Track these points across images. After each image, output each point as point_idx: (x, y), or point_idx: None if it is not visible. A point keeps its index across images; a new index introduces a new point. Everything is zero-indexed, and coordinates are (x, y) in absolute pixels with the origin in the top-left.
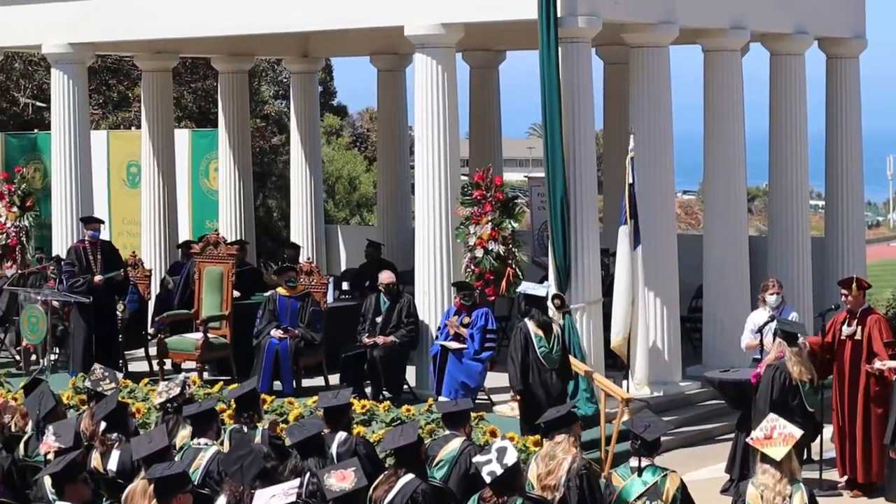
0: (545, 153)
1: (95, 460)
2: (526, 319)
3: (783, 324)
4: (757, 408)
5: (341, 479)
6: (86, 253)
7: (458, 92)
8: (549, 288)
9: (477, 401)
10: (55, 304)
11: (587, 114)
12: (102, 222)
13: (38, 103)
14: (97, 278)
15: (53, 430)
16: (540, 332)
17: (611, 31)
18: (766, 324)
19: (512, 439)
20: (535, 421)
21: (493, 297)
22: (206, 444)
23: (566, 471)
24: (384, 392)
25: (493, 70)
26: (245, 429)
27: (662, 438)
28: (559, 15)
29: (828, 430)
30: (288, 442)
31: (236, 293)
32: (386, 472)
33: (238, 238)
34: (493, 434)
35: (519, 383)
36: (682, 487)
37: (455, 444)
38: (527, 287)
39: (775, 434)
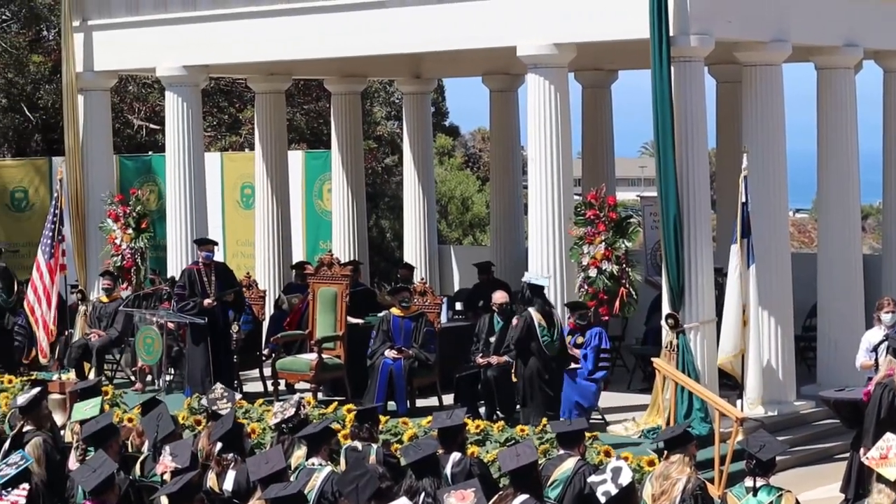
0: (658, 172)
1: (211, 480)
2: (530, 308)
3: (894, 340)
4: (865, 426)
5: (461, 500)
6: (199, 275)
7: (570, 111)
8: (550, 279)
9: (591, 420)
10: (170, 325)
11: (700, 132)
12: (216, 244)
13: (152, 125)
14: (206, 301)
15: (170, 451)
16: (543, 321)
17: (723, 49)
18: (881, 342)
19: (626, 459)
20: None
21: (606, 317)
22: (320, 465)
23: (681, 491)
24: (498, 412)
25: (605, 89)
26: (359, 446)
27: (777, 458)
28: (671, 34)
29: None
30: (403, 462)
31: (355, 319)
32: (501, 493)
33: (351, 259)
34: (608, 454)
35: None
36: None
37: (569, 463)
38: (530, 277)
39: (891, 454)
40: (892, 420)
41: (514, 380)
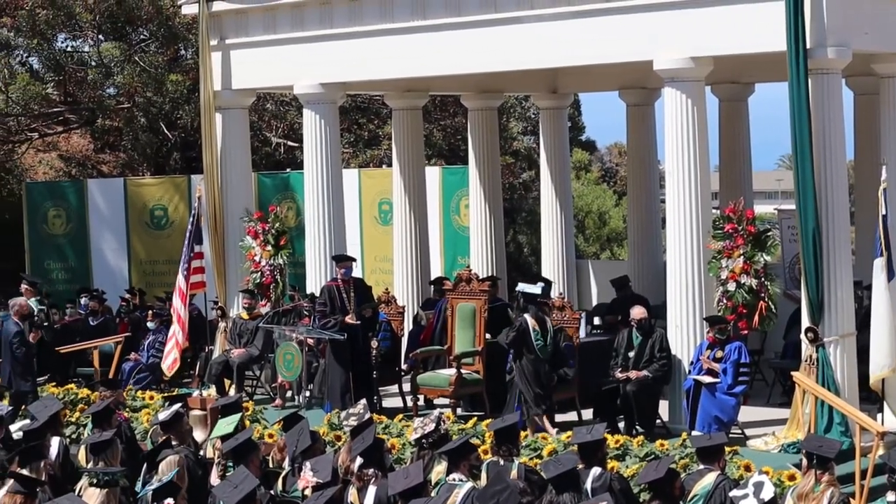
0: (796, 185)
1: (352, 496)
2: (525, 314)
3: None
4: None
5: None
6: (339, 291)
7: (707, 125)
8: (542, 287)
9: (731, 435)
10: (310, 341)
11: (838, 145)
12: (354, 260)
13: (290, 143)
14: (348, 318)
15: (311, 466)
16: (536, 326)
17: (861, 61)
18: None
19: (767, 473)
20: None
21: (746, 331)
22: (461, 480)
23: None
24: (637, 427)
25: (742, 102)
26: (502, 462)
27: None
28: (808, 46)
29: None
30: (543, 477)
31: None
32: None
33: (490, 274)
34: (748, 468)
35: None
36: None
37: (709, 478)
38: (524, 286)
39: None
40: None
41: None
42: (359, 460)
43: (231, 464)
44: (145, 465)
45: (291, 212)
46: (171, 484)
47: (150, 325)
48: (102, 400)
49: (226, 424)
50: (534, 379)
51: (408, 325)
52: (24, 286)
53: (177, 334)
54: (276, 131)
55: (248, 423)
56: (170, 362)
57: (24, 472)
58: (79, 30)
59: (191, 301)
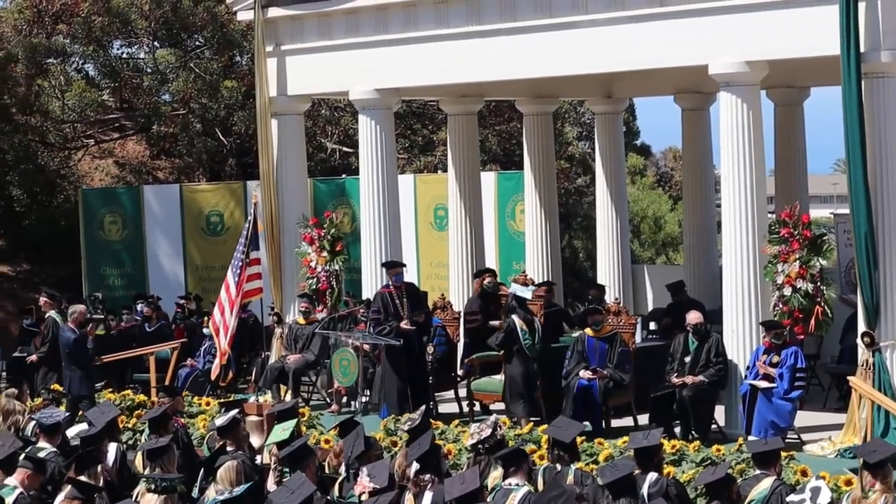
0: (849, 189)
1: (409, 501)
2: (513, 316)
3: None
4: None
5: None
6: (392, 298)
7: (763, 129)
8: (532, 290)
9: (787, 440)
10: (366, 346)
11: (893, 149)
12: (404, 266)
13: (346, 149)
14: (404, 325)
15: (368, 472)
16: (525, 327)
17: None
18: None
19: (824, 478)
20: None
21: (802, 336)
22: (517, 485)
23: None
24: (693, 432)
25: (797, 107)
26: (558, 467)
27: None
28: (862, 50)
29: None
30: (600, 482)
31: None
32: None
33: (545, 279)
34: (804, 473)
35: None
36: None
37: (766, 483)
38: (516, 289)
39: None
40: None
41: (501, 377)
42: (415, 465)
43: (287, 470)
44: (202, 471)
45: (347, 217)
46: (242, 499)
47: (205, 331)
48: (159, 406)
49: (281, 430)
50: (522, 379)
51: (463, 331)
52: (43, 298)
53: (220, 341)
54: (332, 137)
55: (304, 428)
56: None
57: (82, 478)
58: (134, 36)
59: (247, 307)
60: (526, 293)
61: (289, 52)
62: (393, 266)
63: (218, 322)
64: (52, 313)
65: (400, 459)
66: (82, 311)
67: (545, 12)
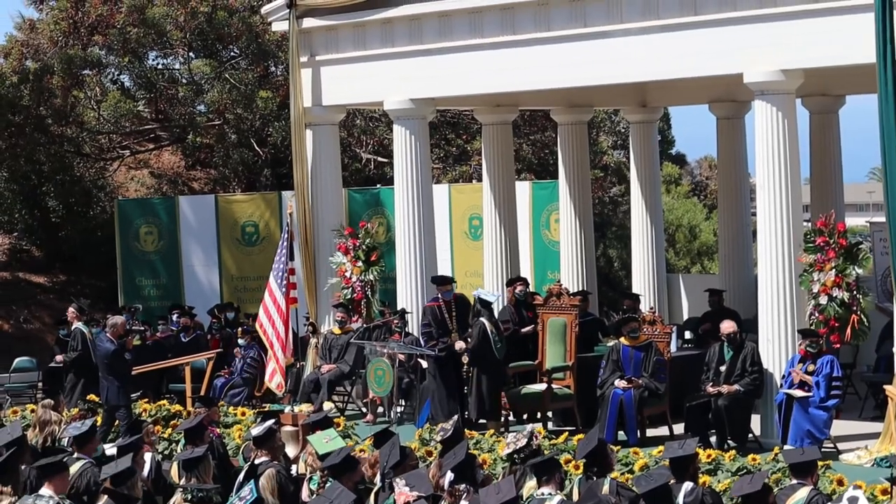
0: (885, 197)
1: None
2: (481, 318)
3: None
4: None
5: None
6: (441, 311)
7: (798, 137)
8: (497, 296)
9: (823, 449)
10: (401, 357)
11: None
12: (454, 281)
13: (380, 159)
14: (457, 345)
15: (405, 481)
16: (493, 329)
17: None
18: None
19: (860, 488)
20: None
21: (837, 345)
22: (550, 494)
23: None
24: (729, 441)
25: (832, 115)
26: (594, 478)
27: None
28: None
29: None
30: (636, 492)
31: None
32: None
33: (580, 289)
34: (840, 483)
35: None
36: None
37: (802, 493)
38: (481, 293)
39: None
40: None
41: (467, 389)
42: (450, 475)
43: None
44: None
45: (382, 227)
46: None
47: (240, 341)
48: (195, 416)
49: (325, 440)
50: (490, 378)
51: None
52: (70, 310)
53: (276, 351)
54: (366, 147)
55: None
56: (268, 376)
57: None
58: (169, 47)
59: None
60: (490, 297)
61: (323, 63)
62: (443, 282)
63: (271, 335)
64: (79, 325)
65: (434, 469)
66: (122, 322)
67: (580, 22)
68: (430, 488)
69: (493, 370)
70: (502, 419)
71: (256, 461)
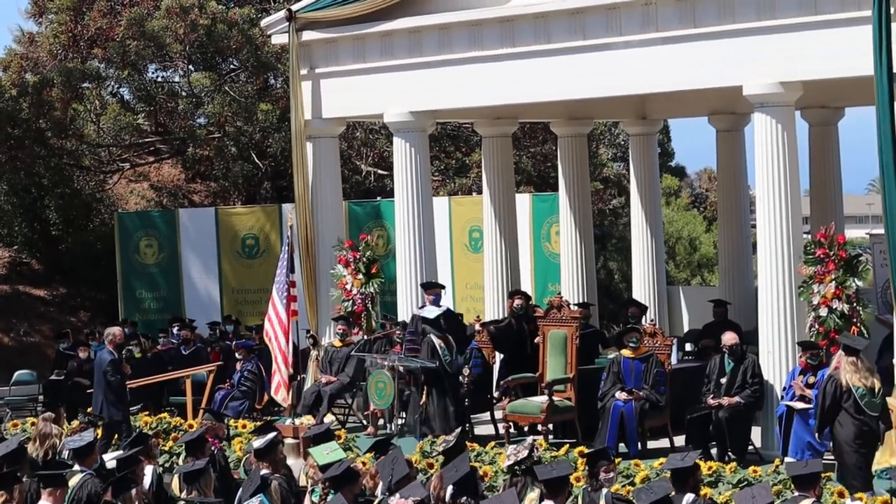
0: (884, 209)
1: None
2: (430, 335)
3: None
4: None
5: None
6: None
7: (797, 149)
8: (438, 313)
9: (824, 461)
10: (401, 369)
11: None
12: (443, 287)
13: (380, 171)
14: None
15: (400, 494)
16: (443, 344)
17: None
18: None
19: (861, 500)
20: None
21: None
22: None
23: None
24: (730, 453)
25: (832, 127)
26: (589, 488)
27: None
28: (895, 70)
29: None
30: None
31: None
32: None
33: (581, 301)
34: (841, 495)
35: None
36: None
37: None
38: (422, 311)
39: None
40: (835, 409)
41: (423, 400)
42: (451, 488)
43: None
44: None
45: (382, 240)
46: None
47: (238, 355)
48: (202, 426)
49: (326, 452)
50: (444, 393)
51: (499, 353)
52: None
53: (279, 362)
54: (366, 159)
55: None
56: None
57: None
58: (169, 60)
59: None
60: (429, 314)
61: (323, 75)
62: (430, 287)
63: (274, 347)
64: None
65: (435, 482)
66: (119, 332)
67: (579, 34)
68: (424, 492)
69: (449, 384)
70: (501, 430)
71: (260, 473)
